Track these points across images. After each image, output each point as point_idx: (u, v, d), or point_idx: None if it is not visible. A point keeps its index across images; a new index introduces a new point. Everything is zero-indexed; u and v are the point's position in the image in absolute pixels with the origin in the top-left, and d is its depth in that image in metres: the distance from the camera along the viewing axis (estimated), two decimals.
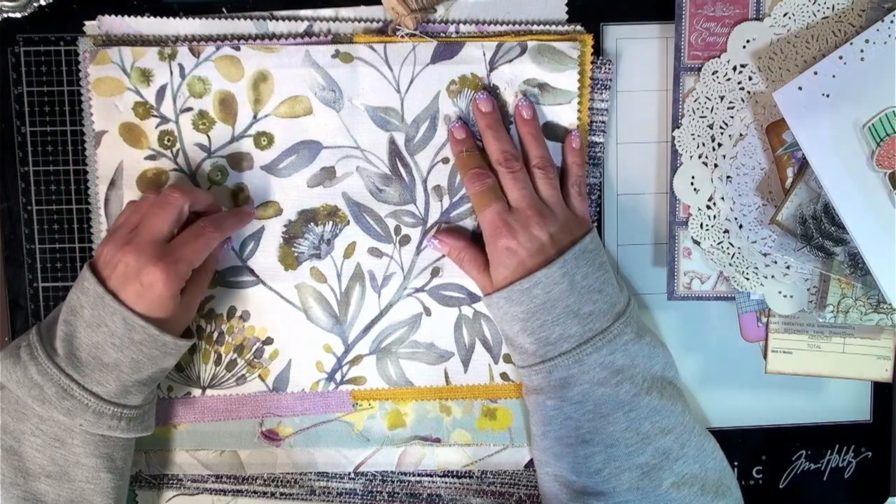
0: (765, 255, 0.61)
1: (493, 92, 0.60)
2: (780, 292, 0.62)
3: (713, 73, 0.60)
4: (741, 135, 0.61)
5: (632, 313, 0.58)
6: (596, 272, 0.57)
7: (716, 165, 0.61)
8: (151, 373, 0.55)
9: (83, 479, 0.55)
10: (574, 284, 0.56)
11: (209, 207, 0.58)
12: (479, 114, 0.60)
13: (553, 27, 0.61)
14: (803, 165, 0.59)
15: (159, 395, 0.62)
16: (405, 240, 0.62)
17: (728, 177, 0.61)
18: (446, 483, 0.65)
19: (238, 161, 0.61)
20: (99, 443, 0.55)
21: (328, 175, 0.61)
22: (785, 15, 0.59)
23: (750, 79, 0.60)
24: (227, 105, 0.60)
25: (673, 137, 0.61)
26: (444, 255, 0.62)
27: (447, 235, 0.61)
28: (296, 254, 0.62)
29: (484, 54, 0.60)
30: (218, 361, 0.62)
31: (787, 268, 0.61)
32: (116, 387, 0.54)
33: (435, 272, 0.62)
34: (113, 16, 0.60)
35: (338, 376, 0.63)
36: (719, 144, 0.61)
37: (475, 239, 0.61)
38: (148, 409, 0.58)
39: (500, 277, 0.57)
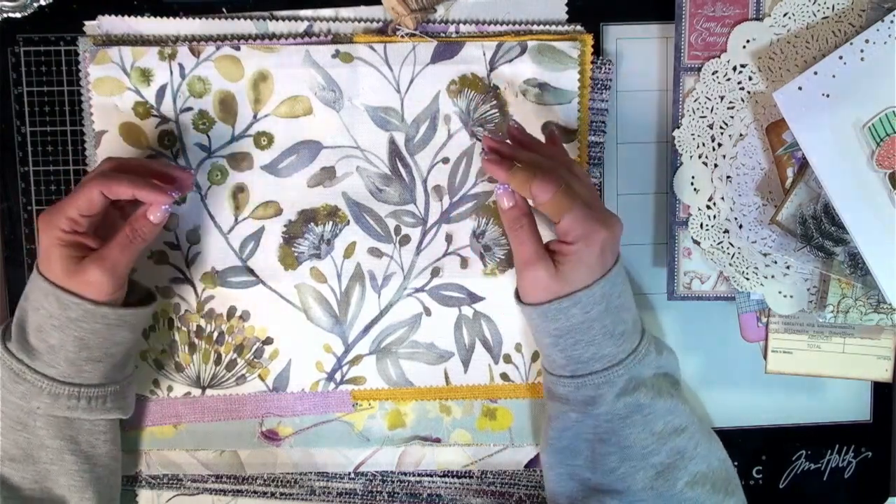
0: (765, 255, 0.61)
1: (493, 92, 0.60)
2: (780, 292, 0.62)
3: (713, 73, 0.60)
4: (741, 135, 0.61)
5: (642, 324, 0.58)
6: (627, 289, 0.56)
7: (716, 165, 0.61)
8: (106, 349, 0.54)
9: (48, 461, 0.54)
10: (610, 304, 0.54)
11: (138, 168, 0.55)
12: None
13: (553, 27, 0.61)
14: (803, 165, 0.59)
15: (159, 394, 0.62)
16: (405, 240, 0.62)
17: (728, 177, 0.61)
18: (446, 483, 0.65)
19: (238, 161, 0.61)
20: (62, 425, 0.54)
21: (328, 175, 0.61)
22: (785, 15, 0.59)
23: (750, 79, 0.60)
24: (227, 105, 0.60)
25: (673, 137, 0.61)
26: (444, 255, 0.62)
27: (518, 195, 0.55)
28: (296, 254, 0.62)
29: (484, 54, 0.60)
30: (218, 361, 0.62)
31: (787, 268, 0.61)
32: (67, 367, 0.53)
33: (435, 272, 0.62)
34: (113, 16, 0.60)
35: (338, 376, 0.63)
36: (719, 144, 0.61)
37: None
38: (116, 391, 0.56)
39: (577, 278, 0.53)
